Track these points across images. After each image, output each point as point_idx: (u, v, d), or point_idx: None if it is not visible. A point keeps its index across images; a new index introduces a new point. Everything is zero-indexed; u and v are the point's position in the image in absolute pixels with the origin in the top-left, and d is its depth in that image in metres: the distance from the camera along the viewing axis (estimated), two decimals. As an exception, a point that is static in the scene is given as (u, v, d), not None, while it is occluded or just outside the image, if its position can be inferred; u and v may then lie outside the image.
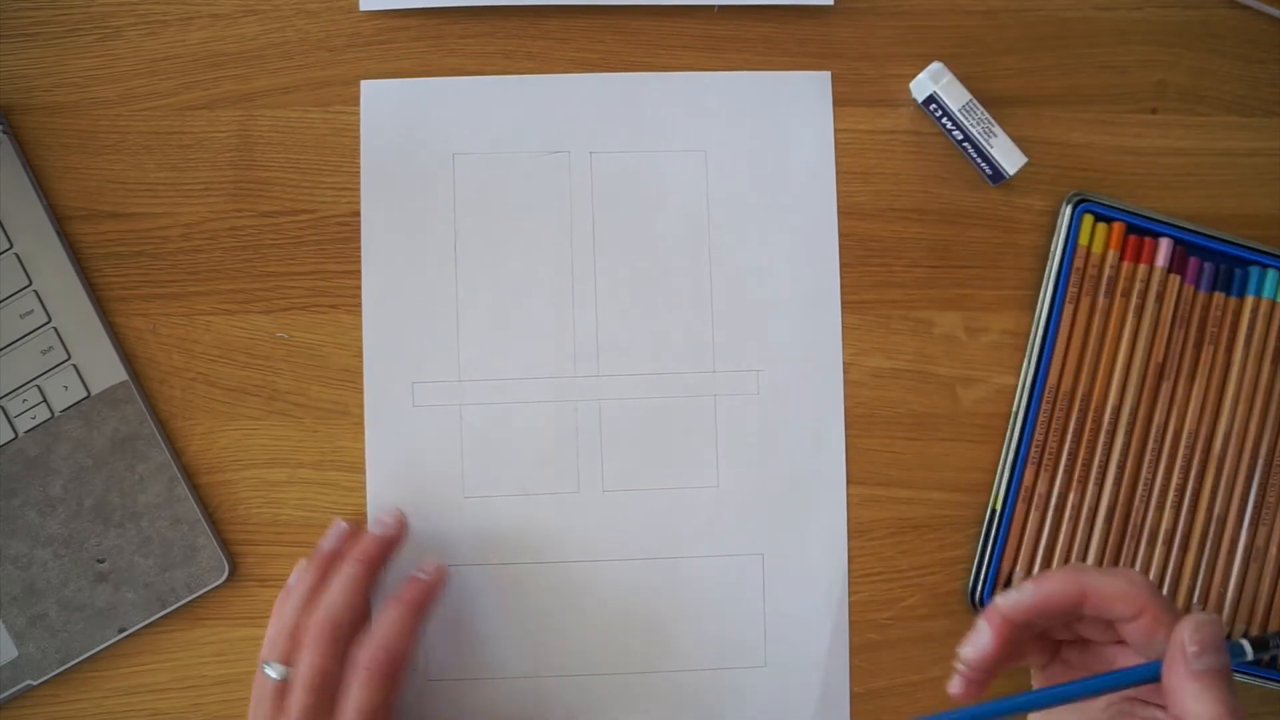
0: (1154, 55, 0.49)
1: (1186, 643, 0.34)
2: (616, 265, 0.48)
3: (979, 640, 0.38)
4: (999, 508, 0.47)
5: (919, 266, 0.48)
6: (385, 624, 0.42)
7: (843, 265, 0.48)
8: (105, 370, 0.46)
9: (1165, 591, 0.47)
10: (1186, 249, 0.48)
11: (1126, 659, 0.37)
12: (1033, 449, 0.47)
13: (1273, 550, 0.47)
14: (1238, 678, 0.47)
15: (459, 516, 0.47)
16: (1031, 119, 0.49)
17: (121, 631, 0.46)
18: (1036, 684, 0.41)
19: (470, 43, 0.48)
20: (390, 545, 0.44)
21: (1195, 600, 0.47)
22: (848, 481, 0.48)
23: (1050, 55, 0.49)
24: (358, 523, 0.47)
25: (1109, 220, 0.48)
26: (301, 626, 0.42)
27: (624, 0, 0.48)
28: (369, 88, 0.48)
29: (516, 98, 0.48)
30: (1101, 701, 0.38)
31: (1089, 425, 0.47)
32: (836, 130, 0.49)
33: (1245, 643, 0.37)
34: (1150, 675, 0.36)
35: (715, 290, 0.48)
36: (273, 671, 0.41)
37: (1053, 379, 0.47)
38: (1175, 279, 0.48)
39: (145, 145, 0.47)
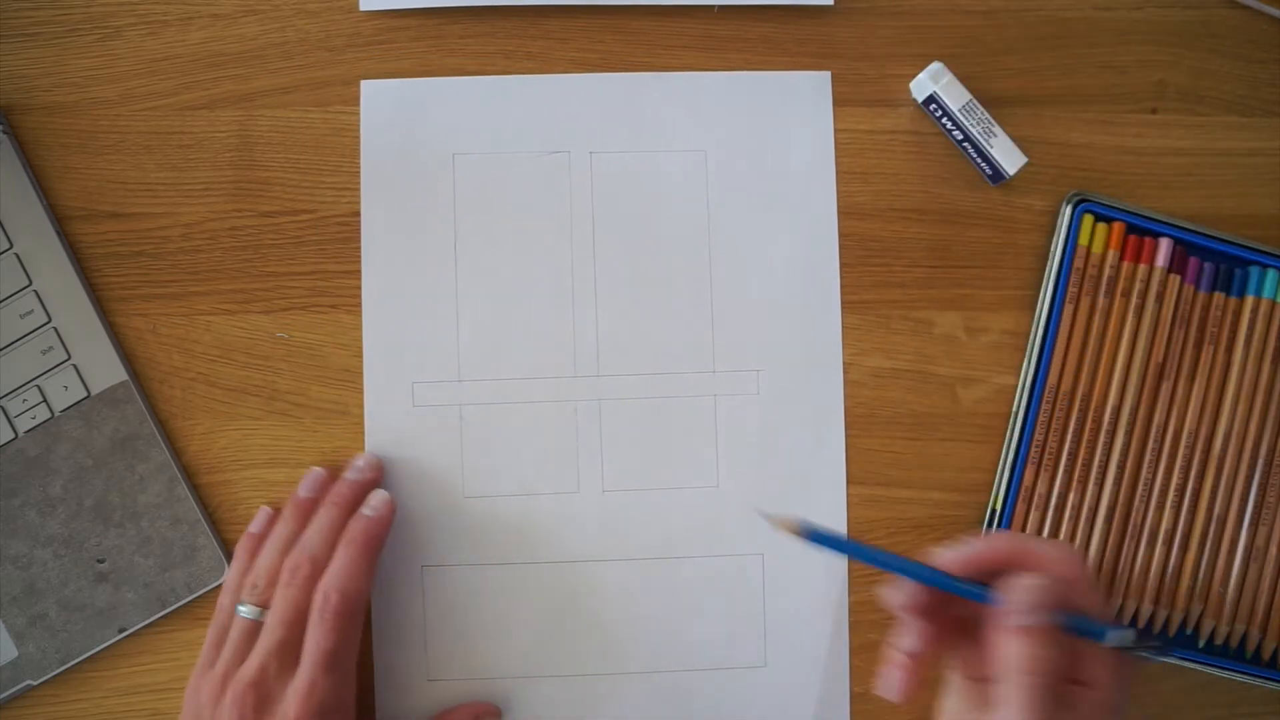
0: (1154, 55, 0.49)
1: (1007, 600, 0.37)
2: (617, 265, 0.48)
3: (900, 593, 0.39)
4: (999, 508, 0.47)
5: (919, 266, 0.48)
6: (337, 566, 0.42)
7: (843, 265, 0.48)
8: (105, 370, 0.46)
9: (1165, 591, 0.47)
10: (1186, 249, 0.48)
11: None
12: (1033, 449, 0.47)
13: (1273, 550, 0.47)
14: (1239, 678, 0.47)
15: (459, 516, 0.47)
16: (1031, 119, 0.49)
17: (121, 631, 0.46)
18: (952, 691, 0.41)
19: (470, 43, 0.48)
20: (365, 489, 0.45)
21: (1194, 601, 0.47)
22: (848, 481, 0.48)
23: (1050, 55, 0.49)
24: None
25: (1109, 220, 0.48)
26: (274, 568, 0.43)
27: (624, 0, 0.48)
28: (369, 87, 0.48)
29: (517, 98, 0.48)
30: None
31: (1089, 425, 0.47)
32: (836, 130, 0.48)
33: (1114, 630, 0.37)
34: (983, 596, 0.38)
35: (715, 290, 0.48)
36: (248, 613, 0.42)
37: (1053, 379, 0.47)
38: (1175, 279, 0.48)
39: (145, 145, 0.47)
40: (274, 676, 0.40)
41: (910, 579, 0.39)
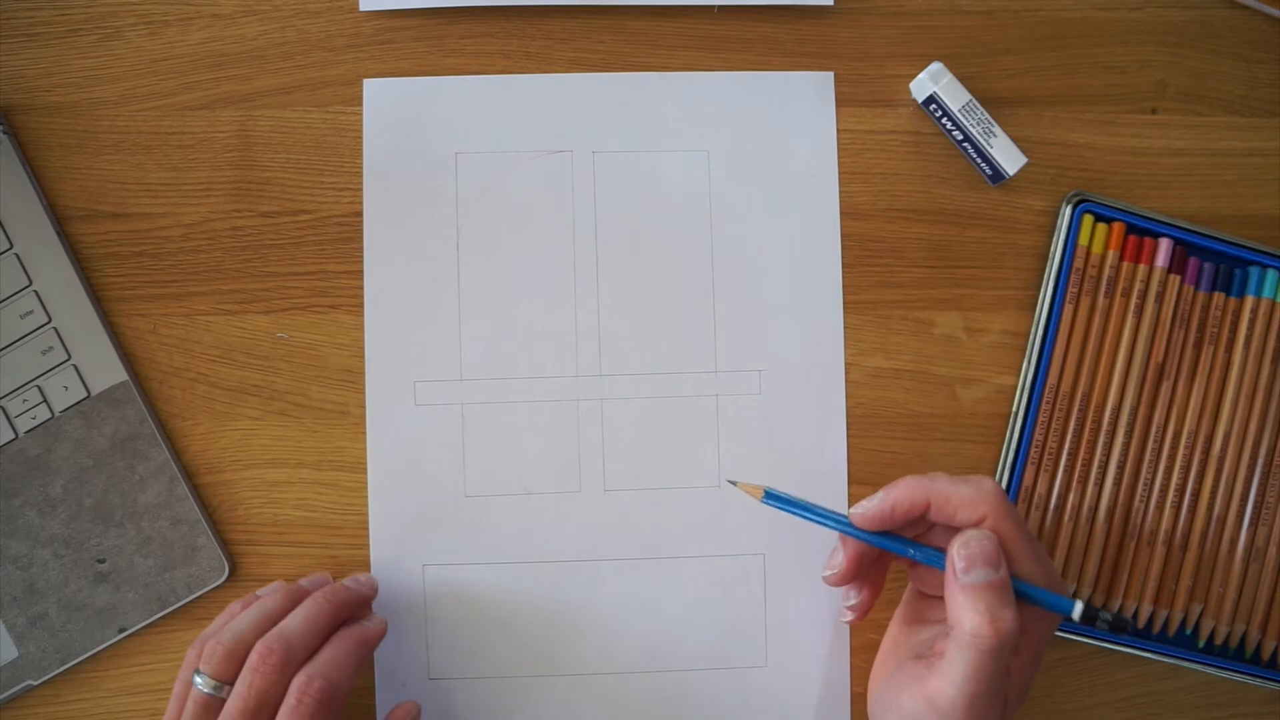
0: (1154, 55, 0.49)
1: (955, 558, 0.37)
2: (619, 265, 0.48)
3: (834, 559, 0.42)
4: (999, 508, 0.47)
5: (919, 266, 0.48)
6: (326, 656, 0.40)
7: (843, 265, 0.48)
8: (105, 370, 0.46)
9: (1165, 591, 0.47)
10: (1186, 249, 0.48)
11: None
12: (1033, 449, 0.47)
13: (1273, 550, 0.47)
14: (1239, 678, 0.47)
15: (460, 515, 0.47)
16: (1031, 119, 0.49)
17: (121, 631, 0.46)
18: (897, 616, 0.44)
19: (470, 43, 0.48)
20: (361, 602, 0.44)
21: (1194, 600, 0.47)
22: (849, 481, 0.48)
23: (1050, 55, 0.49)
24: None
25: (1109, 220, 0.48)
26: (244, 642, 0.39)
27: (624, 0, 0.48)
28: (372, 86, 0.48)
29: (520, 97, 0.48)
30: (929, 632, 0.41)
31: (1089, 425, 0.47)
32: (837, 130, 0.48)
33: (1079, 603, 0.37)
34: (938, 561, 0.38)
35: (717, 290, 0.48)
36: (204, 685, 0.39)
37: (1053, 379, 0.47)
38: (1175, 279, 0.48)
39: (145, 145, 0.47)
40: None
41: (865, 541, 0.40)
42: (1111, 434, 0.47)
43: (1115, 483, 0.47)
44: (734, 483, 0.42)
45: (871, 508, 0.39)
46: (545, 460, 0.47)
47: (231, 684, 0.39)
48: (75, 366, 0.46)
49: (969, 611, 0.36)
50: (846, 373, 0.48)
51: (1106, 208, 0.48)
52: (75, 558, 0.46)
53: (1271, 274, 0.48)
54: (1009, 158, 0.46)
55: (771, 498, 0.41)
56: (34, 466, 0.46)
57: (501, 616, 0.47)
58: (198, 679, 0.39)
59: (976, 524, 0.38)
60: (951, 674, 0.36)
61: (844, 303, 0.48)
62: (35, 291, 0.46)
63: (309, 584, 0.44)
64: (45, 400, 0.46)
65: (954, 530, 0.39)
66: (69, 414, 0.46)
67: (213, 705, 0.39)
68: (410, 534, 0.46)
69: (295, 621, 0.40)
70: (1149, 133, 0.49)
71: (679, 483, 0.47)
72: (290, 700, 0.38)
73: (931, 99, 0.47)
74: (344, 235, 0.47)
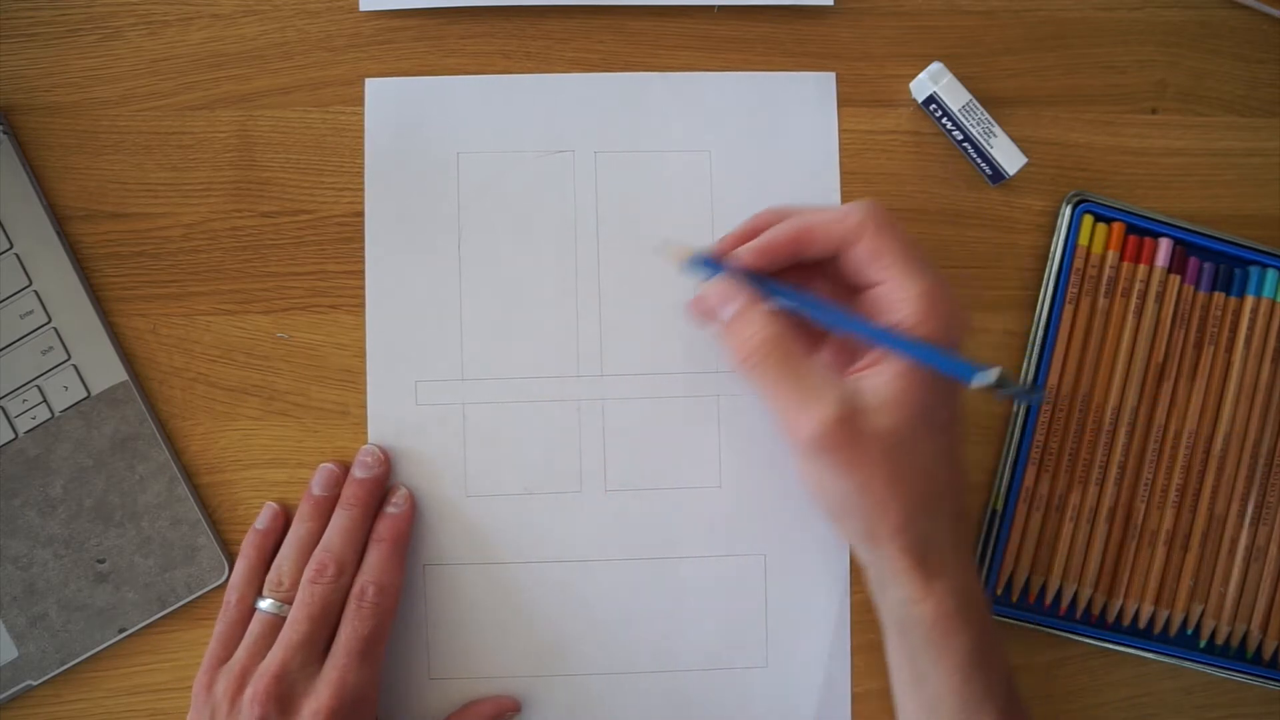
0: (1154, 55, 0.49)
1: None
2: (620, 264, 0.48)
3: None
4: (999, 508, 0.47)
5: (919, 266, 0.48)
6: (374, 562, 0.44)
7: (843, 265, 0.48)
8: (105, 370, 0.46)
9: (1165, 591, 0.47)
10: (1186, 249, 0.48)
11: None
12: (1033, 449, 0.47)
13: (1273, 550, 0.47)
14: (1239, 678, 0.47)
15: (461, 515, 0.47)
16: (1031, 119, 0.49)
17: (121, 631, 0.46)
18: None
19: (470, 43, 0.48)
20: (377, 485, 0.46)
21: (1194, 601, 0.47)
22: (848, 481, 0.48)
23: (1050, 55, 0.49)
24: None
25: (1109, 220, 0.48)
26: (298, 566, 0.43)
27: (624, 0, 0.48)
28: (374, 86, 0.48)
29: (521, 97, 0.48)
30: None
31: (1089, 425, 0.47)
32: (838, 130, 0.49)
33: (985, 369, 0.37)
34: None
35: (716, 290, 0.48)
36: (270, 606, 0.43)
37: (1053, 379, 0.47)
38: (1175, 279, 0.48)
39: (145, 145, 0.47)
40: (297, 670, 0.41)
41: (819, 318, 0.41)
42: (1112, 434, 0.47)
43: (1116, 483, 0.47)
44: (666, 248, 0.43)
45: (752, 249, 0.41)
46: (546, 460, 0.47)
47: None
48: (75, 366, 0.46)
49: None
50: (847, 373, 0.48)
51: (1106, 208, 0.48)
52: (75, 558, 0.46)
53: (1271, 274, 0.48)
54: (1009, 158, 0.46)
55: (699, 263, 0.41)
56: (34, 466, 0.46)
57: (501, 616, 0.47)
58: (263, 603, 0.43)
59: (857, 240, 0.39)
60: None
61: (844, 303, 0.48)
62: (35, 291, 0.46)
63: (321, 488, 0.45)
64: (45, 400, 0.46)
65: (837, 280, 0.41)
66: (69, 414, 0.46)
67: (277, 624, 0.42)
68: (411, 533, 0.46)
69: (335, 536, 0.44)
70: (1149, 133, 0.49)
71: (680, 483, 0.47)
72: (351, 607, 0.42)
73: (931, 99, 0.47)
74: (344, 235, 0.47)
